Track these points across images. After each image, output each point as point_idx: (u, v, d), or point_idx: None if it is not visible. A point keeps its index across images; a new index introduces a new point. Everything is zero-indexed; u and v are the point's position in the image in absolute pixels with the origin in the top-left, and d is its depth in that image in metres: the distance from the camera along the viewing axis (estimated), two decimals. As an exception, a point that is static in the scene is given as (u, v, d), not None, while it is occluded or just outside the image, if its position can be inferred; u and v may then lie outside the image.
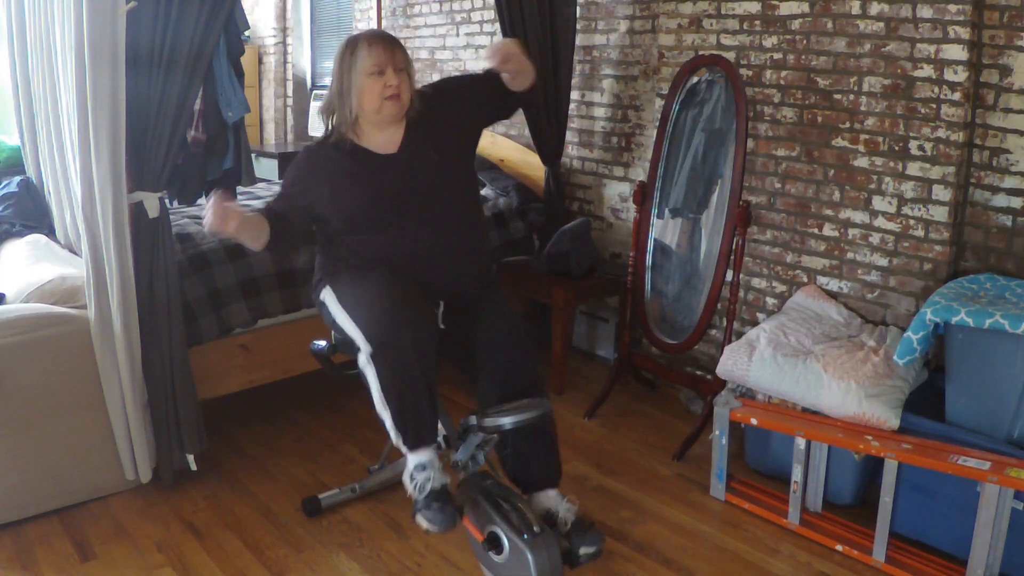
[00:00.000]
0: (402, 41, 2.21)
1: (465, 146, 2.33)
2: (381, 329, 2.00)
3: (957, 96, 2.58)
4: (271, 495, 2.65)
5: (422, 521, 2.00)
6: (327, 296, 2.21)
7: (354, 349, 2.08)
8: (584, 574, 2.27)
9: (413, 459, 2.05)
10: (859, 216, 2.88)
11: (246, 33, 3.97)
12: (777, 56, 3.03)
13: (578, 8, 3.72)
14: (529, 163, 4.02)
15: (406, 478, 2.05)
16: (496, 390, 2.14)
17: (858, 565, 2.32)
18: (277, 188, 4.09)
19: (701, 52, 3.20)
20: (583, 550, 2.09)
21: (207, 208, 1.98)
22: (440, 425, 2.21)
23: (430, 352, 2.05)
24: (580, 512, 2.16)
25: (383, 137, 2.20)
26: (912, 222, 2.74)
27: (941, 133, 2.63)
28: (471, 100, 2.30)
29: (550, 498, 2.16)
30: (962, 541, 2.19)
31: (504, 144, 4.22)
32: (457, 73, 4.53)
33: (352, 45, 2.13)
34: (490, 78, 2.28)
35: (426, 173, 2.19)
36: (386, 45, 2.13)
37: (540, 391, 2.15)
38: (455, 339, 2.21)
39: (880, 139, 2.79)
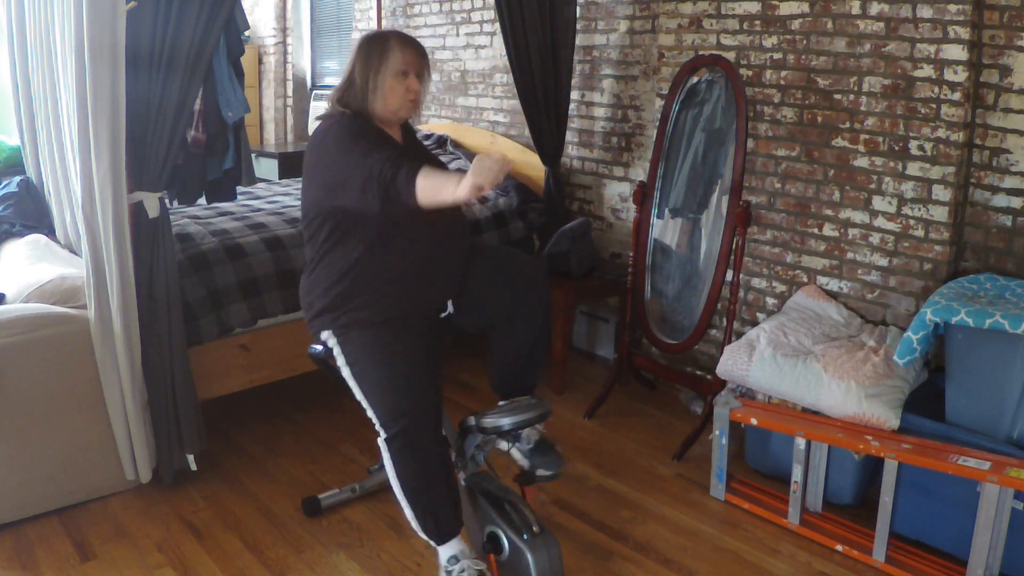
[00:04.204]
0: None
1: None
2: (400, 419, 1.95)
3: (957, 96, 2.58)
4: (271, 495, 2.65)
5: None
6: (333, 346, 2.09)
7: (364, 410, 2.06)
8: (584, 574, 2.27)
9: (445, 552, 2.02)
10: (859, 216, 2.88)
11: (246, 33, 3.97)
12: (777, 56, 3.03)
13: (578, 8, 3.72)
14: (529, 163, 4.02)
15: (442, 574, 2.02)
16: (511, 335, 2.17)
17: (858, 565, 2.32)
18: (278, 188, 4.12)
19: (701, 52, 3.20)
20: (540, 472, 2.08)
21: (494, 168, 1.69)
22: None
23: (441, 426, 2.03)
24: (545, 434, 2.16)
25: (390, 133, 2.19)
26: (912, 222, 2.74)
27: (941, 133, 2.63)
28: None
29: None
30: (962, 541, 2.19)
31: (504, 144, 4.21)
32: (457, 72, 4.55)
33: (383, 42, 2.05)
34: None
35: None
36: (418, 51, 2.09)
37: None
38: (471, 310, 2.22)
39: (880, 139, 2.79)
